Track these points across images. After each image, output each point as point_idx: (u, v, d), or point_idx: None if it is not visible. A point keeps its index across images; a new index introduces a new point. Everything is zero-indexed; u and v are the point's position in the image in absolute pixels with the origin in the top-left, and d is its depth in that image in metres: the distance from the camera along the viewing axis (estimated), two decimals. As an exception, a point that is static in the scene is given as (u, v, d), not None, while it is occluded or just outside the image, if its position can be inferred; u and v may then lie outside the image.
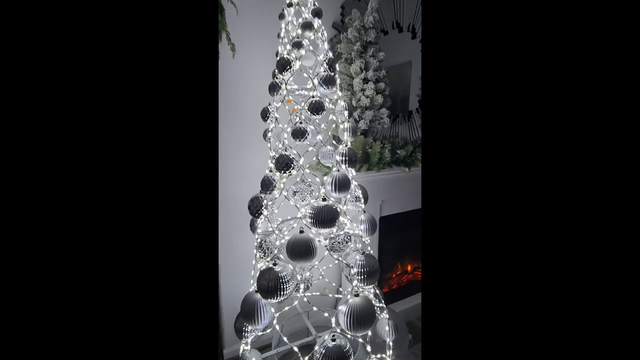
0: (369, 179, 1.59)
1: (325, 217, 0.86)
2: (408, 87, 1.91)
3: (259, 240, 1.06)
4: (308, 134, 0.87)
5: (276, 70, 0.92)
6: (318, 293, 1.41)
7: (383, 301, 1.09)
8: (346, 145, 0.96)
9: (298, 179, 1.06)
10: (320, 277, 1.18)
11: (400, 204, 1.80)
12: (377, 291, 1.08)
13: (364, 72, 1.56)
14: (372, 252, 1.06)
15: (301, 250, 0.85)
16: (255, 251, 1.04)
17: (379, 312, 1.07)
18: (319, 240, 0.95)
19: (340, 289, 1.40)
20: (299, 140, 0.88)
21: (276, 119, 0.94)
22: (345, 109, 0.98)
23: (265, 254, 1.04)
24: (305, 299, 0.96)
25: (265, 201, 0.98)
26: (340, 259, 0.96)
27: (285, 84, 0.88)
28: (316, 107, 0.86)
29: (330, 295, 1.40)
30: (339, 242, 1.03)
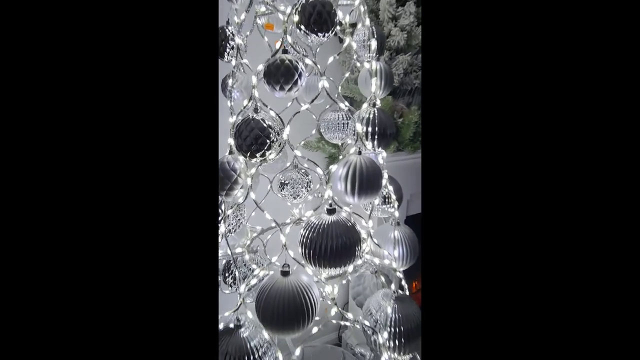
0: (397, 164, 1.04)
1: (334, 247, 0.42)
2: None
3: (223, 263, 0.67)
4: (300, 75, 0.41)
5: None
6: (317, 317, 1.02)
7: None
8: (374, 105, 0.51)
9: (288, 165, 0.62)
10: (321, 299, 0.80)
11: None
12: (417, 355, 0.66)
13: (398, -15, 0.92)
14: (406, 288, 0.64)
15: (285, 314, 0.42)
16: (220, 279, 0.67)
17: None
18: (320, 281, 0.52)
19: (349, 315, 1.01)
20: (282, 91, 0.42)
21: (238, 49, 0.47)
22: (373, 35, 0.51)
23: (235, 282, 0.67)
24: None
25: (223, 206, 0.54)
26: (358, 319, 0.53)
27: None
28: (318, 17, 0.40)
29: (334, 322, 1.01)
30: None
